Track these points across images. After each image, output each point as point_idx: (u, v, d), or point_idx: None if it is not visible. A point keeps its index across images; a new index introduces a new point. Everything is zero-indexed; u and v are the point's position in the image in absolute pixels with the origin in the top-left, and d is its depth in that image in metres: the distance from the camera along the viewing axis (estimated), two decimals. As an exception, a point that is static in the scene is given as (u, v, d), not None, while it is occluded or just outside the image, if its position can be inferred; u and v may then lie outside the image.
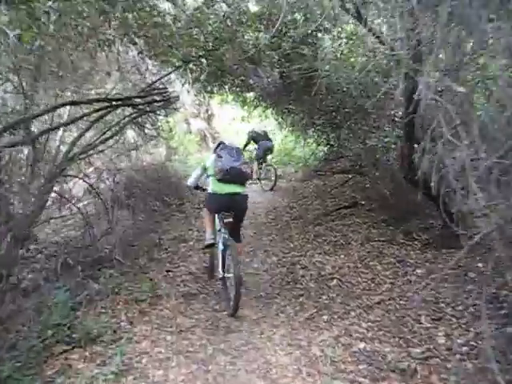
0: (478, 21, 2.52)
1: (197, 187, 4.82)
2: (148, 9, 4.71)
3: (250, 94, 9.10)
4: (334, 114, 6.06)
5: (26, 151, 5.04)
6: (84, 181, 5.52)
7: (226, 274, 4.21)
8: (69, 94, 5.66)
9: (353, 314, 3.65)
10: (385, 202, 6.03)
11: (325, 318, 3.66)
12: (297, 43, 5.53)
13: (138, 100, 5.71)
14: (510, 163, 2.76)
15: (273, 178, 10.09)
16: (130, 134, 10.21)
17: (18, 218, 4.01)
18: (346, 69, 5.14)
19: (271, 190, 10.00)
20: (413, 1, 2.69)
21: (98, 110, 4.83)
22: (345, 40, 5.14)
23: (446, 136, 4.27)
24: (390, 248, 5.00)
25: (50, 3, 3.72)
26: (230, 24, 5.47)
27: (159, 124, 11.34)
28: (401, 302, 3.63)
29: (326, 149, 8.91)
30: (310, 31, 5.36)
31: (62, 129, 5.27)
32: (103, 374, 3.00)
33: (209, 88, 8.09)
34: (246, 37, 5.77)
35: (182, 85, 7.35)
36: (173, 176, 10.10)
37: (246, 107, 10.29)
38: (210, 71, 6.56)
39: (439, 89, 4.38)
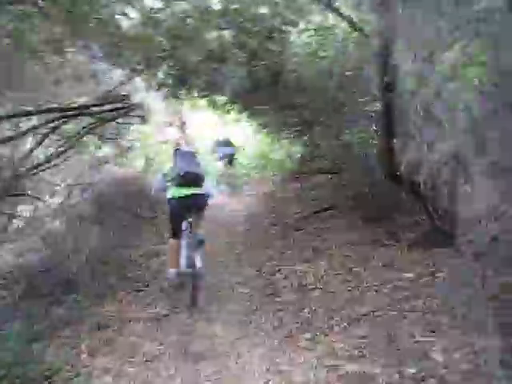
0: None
1: (165, 189, 4.75)
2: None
3: (222, 98, 8.72)
4: (305, 110, 5.73)
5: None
6: (37, 198, 5.05)
7: (186, 269, 4.34)
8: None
9: (337, 328, 3.28)
10: (364, 201, 5.73)
11: (307, 335, 3.29)
12: (263, 39, 5.21)
13: (96, 109, 5.31)
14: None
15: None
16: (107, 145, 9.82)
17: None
18: (316, 62, 4.83)
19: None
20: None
21: (51, 121, 4.43)
22: (313, 32, 4.81)
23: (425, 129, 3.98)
24: (374, 251, 4.68)
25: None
26: (189, 22, 5.12)
27: (130, 135, 10.97)
28: (389, 313, 3.28)
29: (301, 149, 8.58)
30: (275, 25, 5.04)
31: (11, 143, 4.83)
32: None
33: (176, 93, 7.68)
34: (209, 36, 5.42)
35: (146, 90, 6.96)
36: (146, 187, 9.67)
37: (218, 112, 9.93)
38: (175, 74, 6.22)
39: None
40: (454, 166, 2.91)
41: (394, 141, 4.21)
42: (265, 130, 9.67)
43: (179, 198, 4.40)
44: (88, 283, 5.08)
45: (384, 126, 4.26)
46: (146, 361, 3.27)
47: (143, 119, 8.91)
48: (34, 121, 4.90)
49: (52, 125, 4.48)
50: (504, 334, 2.25)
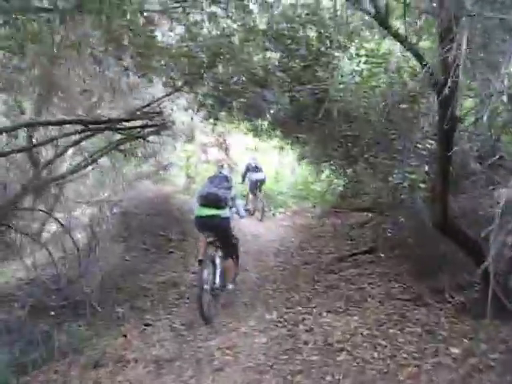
0: None
1: None
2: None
3: (263, 123, 8.35)
4: (350, 144, 5.20)
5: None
6: (48, 213, 4.77)
7: (204, 286, 4.38)
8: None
9: (364, 412, 2.69)
10: (410, 250, 5.09)
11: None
12: (309, 63, 4.80)
13: (128, 124, 5.04)
14: None
15: (261, 210, 10.32)
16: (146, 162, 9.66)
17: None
18: (366, 92, 4.34)
19: (260, 220, 10.13)
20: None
21: (72, 134, 4.17)
22: (364, 58, 4.33)
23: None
24: (414, 310, 4.02)
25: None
26: (232, 40, 4.79)
27: (171, 153, 10.80)
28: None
29: (343, 183, 7.99)
30: (323, 48, 4.62)
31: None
32: None
33: (216, 114, 7.37)
34: (252, 56, 5.08)
35: (186, 110, 6.69)
36: (178, 207, 9.34)
37: (259, 137, 9.59)
38: (215, 94, 5.91)
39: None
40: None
41: (449, 185, 3.61)
42: (306, 160, 9.20)
43: (200, 217, 4.72)
44: (96, 310, 4.75)
45: (438, 168, 3.67)
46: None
47: (183, 138, 8.73)
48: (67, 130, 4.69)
49: (77, 137, 4.21)
50: None
